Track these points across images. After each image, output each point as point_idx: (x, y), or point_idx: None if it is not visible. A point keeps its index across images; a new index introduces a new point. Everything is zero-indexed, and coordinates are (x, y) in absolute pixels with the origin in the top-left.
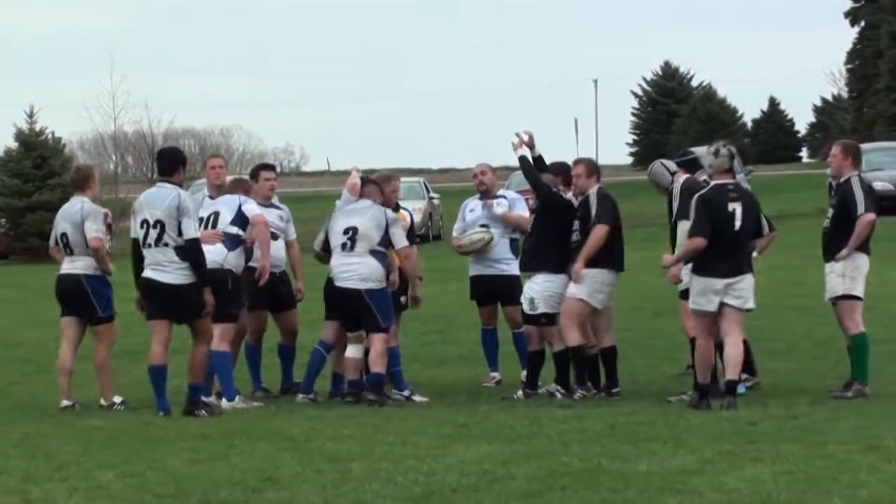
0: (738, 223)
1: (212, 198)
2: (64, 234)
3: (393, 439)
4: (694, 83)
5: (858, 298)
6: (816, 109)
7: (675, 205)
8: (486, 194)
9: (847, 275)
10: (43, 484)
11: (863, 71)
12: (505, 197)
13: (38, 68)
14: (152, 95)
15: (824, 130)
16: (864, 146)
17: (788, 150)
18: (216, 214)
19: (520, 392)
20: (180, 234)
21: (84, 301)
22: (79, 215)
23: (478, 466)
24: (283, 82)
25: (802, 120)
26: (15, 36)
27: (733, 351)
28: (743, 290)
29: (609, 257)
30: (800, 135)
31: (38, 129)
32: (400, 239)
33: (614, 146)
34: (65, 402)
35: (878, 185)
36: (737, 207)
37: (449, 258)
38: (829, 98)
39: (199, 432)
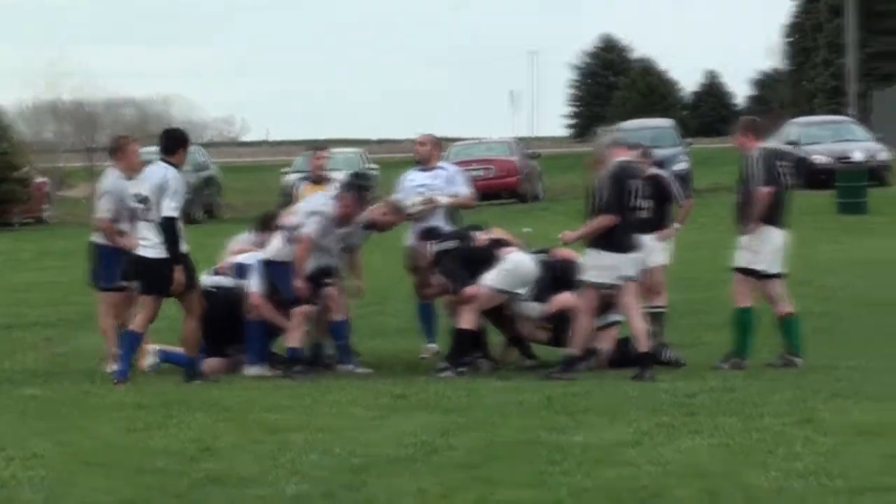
0: (637, 199)
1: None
2: None
3: (330, 410)
4: (633, 56)
5: (757, 274)
6: (755, 83)
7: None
8: (424, 164)
9: (751, 248)
10: None
11: (802, 44)
12: (443, 168)
13: None
14: (92, 64)
15: (763, 104)
16: (802, 120)
17: (727, 123)
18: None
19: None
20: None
21: (95, 267)
22: (101, 189)
23: (416, 437)
24: (224, 52)
25: (742, 93)
26: None
27: (642, 323)
28: (640, 261)
29: None
30: (738, 108)
31: None
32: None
33: (552, 119)
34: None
35: (817, 159)
36: (638, 185)
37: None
38: (769, 72)
39: (137, 402)
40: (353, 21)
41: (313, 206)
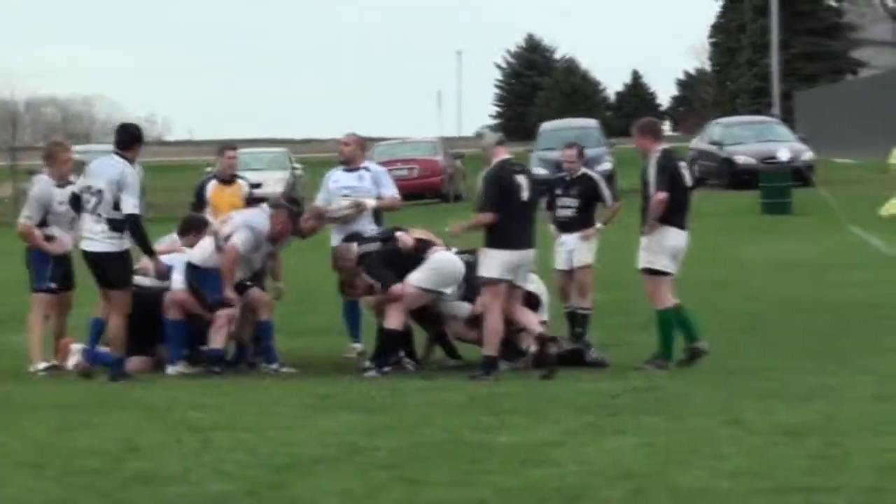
0: (525, 194)
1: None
2: None
3: (255, 409)
4: (557, 56)
5: (662, 273)
6: (679, 83)
7: None
8: (349, 164)
9: (650, 248)
10: None
11: (726, 45)
12: (368, 169)
13: None
14: (14, 63)
15: (687, 104)
16: (725, 120)
17: None
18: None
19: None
20: (116, 207)
21: (28, 268)
22: (29, 195)
23: (340, 437)
24: (146, 51)
25: (666, 93)
26: None
27: (499, 325)
28: (530, 265)
29: None
30: (662, 108)
31: None
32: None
33: (477, 118)
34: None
35: (741, 160)
36: (523, 180)
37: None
38: (693, 72)
39: (61, 402)
40: (276, 19)
41: (247, 218)
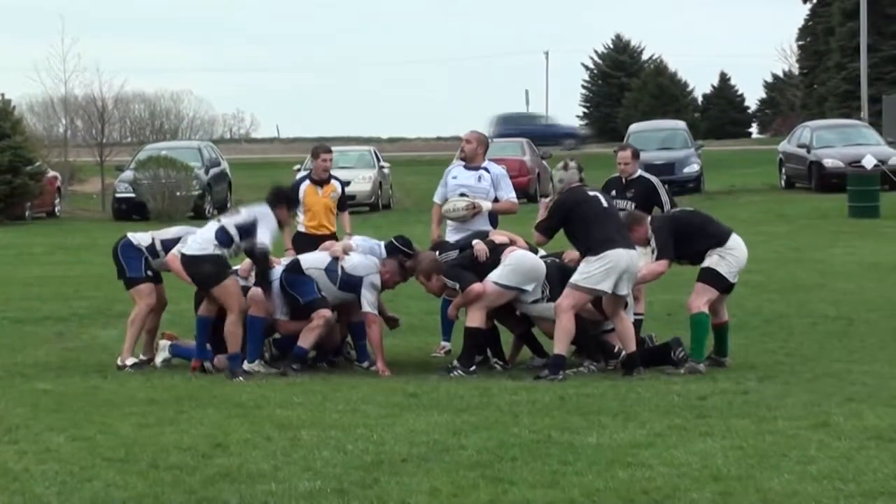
0: (604, 203)
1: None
2: None
3: (343, 407)
4: (645, 57)
5: (725, 283)
6: (767, 86)
7: None
8: (469, 162)
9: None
10: None
11: (814, 48)
12: (488, 170)
13: None
14: (103, 59)
15: (775, 107)
16: (813, 123)
17: (738, 125)
18: None
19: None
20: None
21: (117, 263)
22: None
23: (427, 436)
24: (234, 48)
25: (753, 96)
26: None
27: (571, 326)
28: (635, 269)
29: None
30: (750, 111)
31: None
32: None
33: (565, 118)
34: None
35: (829, 163)
36: (597, 192)
37: (398, 226)
38: (780, 74)
39: (148, 397)
40: (364, 18)
41: (366, 266)
